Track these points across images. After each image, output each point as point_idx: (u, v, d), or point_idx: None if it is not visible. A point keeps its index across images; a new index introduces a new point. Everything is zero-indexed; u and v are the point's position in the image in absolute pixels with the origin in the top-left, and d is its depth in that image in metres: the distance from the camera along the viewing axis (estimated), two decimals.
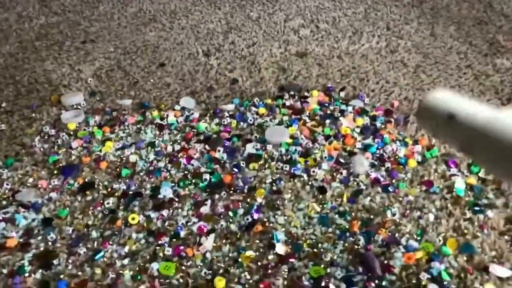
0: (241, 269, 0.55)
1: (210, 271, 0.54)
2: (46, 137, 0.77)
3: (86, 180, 0.68)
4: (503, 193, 0.64)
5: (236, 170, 0.69)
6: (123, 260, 0.56)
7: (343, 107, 0.81)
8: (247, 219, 0.60)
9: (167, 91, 0.89)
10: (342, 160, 0.70)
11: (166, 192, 0.65)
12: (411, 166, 0.68)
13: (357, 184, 0.66)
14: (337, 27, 1.13)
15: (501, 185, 0.65)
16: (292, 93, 0.87)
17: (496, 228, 0.59)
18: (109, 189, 0.66)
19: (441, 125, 0.47)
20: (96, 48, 1.06)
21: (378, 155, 0.71)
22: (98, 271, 0.55)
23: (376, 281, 0.52)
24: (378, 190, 0.65)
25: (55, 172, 0.70)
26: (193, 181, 0.67)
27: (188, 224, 0.60)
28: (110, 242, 0.58)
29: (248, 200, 0.64)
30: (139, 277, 0.54)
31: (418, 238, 0.58)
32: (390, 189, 0.64)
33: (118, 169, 0.70)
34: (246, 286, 0.53)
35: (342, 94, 0.86)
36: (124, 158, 0.72)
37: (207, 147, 0.73)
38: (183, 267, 0.55)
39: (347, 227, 0.59)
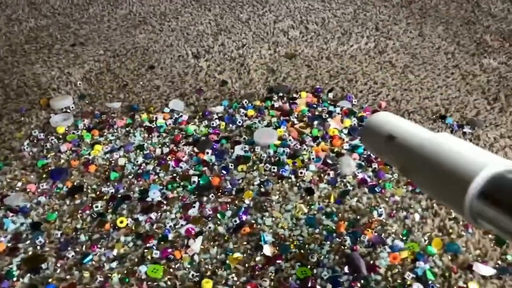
0: (228, 271, 0.55)
1: (198, 273, 0.55)
2: (35, 141, 0.77)
3: (75, 183, 0.68)
4: None
5: (224, 172, 0.69)
6: (112, 263, 0.56)
7: (331, 108, 0.82)
8: (235, 221, 0.61)
9: (156, 94, 0.89)
10: (329, 161, 0.70)
11: (155, 195, 0.65)
12: None
13: (344, 185, 0.67)
14: (326, 28, 1.14)
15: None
16: (281, 94, 0.87)
17: None
18: (97, 193, 0.66)
19: (382, 146, 0.48)
20: (86, 50, 1.06)
21: (365, 156, 0.71)
22: (86, 274, 0.55)
23: (362, 281, 0.53)
24: (365, 191, 0.65)
25: (44, 176, 0.70)
26: (182, 183, 0.67)
27: (176, 226, 0.61)
28: (99, 246, 0.58)
29: (236, 202, 0.64)
30: (127, 280, 0.54)
31: (404, 238, 0.58)
32: (377, 189, 0.65)
33: (106, 173, 0.70)
34: (233, 287, 0.53)
35: (331, 95, 0.87)
36: (113, 161, 0.72)
37: (195, 149, 0.74)
38: (171, 270, 0.55)
39: (334, 227, 0.60)
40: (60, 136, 0.78)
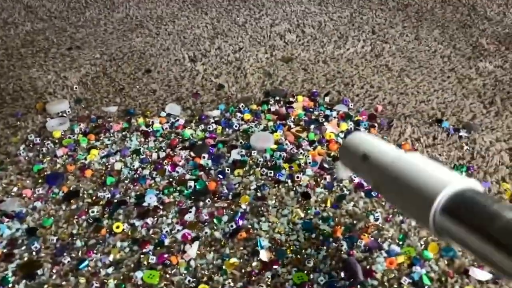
0: (225, 276, 0.55)
1: (194, 279, 0.55)
2: (31, 145, 0.77)
3: (71, 188, 0.68)
4: None
5: (221, 176, 0.69)
6: (108, 269, 0.56)
7: (328, 112, 0.82)
8: (231, 226, 0.61)
9: (152, 98, 0.89)
10: (326, 166, 0.70)
11: (151, 200, 0.65)
12: None
13: (340, 189, 0.67)
14: (322, 31, 1.14)
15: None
16: (277, 98, 0.87)
17: None
18: (93, 198, 0.66)
19: (357, 164, 0.51)
20: (82, 54, 1.06)
21: None
22: (82, 280, 0.55)
23: (359, 286, 0.53)
24: (362, 195, 0.65)
25: (40, 181, 0.69)
26: (178, 188, 0.67)
27: (173, 232, 0.61)
28: (95, 251, 0.58)
29: (233, 207, 0.64)
30: (123, 286, 0.54)
31: (400, 242, 0.58)
32: (373, 194, 0.65)
33: (103, 177, 0.70)
34: None
35: (327, 99, 0.87)
36: (109, 166, 0.72)
37: (192, 153, 0.74)
38: (167, 275, 0.55)
39: (330, 232, 0.60)
40: (56, 141, 0.77)
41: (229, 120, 0.81)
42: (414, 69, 0.97)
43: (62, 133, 0.79)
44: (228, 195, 0.66)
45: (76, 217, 0.63)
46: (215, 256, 0.57)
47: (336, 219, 0.62)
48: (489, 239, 0.36)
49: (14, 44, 1.11)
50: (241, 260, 0.57)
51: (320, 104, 0.85)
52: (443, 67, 0.98)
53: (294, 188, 0.67)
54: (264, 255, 0.57)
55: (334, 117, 0.81)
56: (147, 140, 0.77)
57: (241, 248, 0.58)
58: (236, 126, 0.79)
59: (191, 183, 0.67)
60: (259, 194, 0.66)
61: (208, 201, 0.65)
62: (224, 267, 0.56)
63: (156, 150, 0.75)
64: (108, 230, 0.61)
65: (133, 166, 0.71)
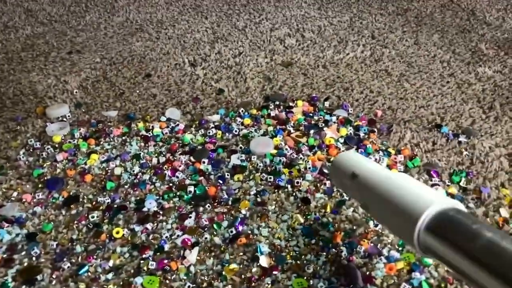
0: (224, 282, 0.55)
1: (194, 285, 0.55)
2: (31, 150, 0.77)
3: (71, 193, 0.68)
4: (483, 202, 0.65)
5: (220, 181, 0.69)
6: (107, 275, 0.56)
7: (327, 117, 0.82)
8: (231, 232, 0.61)
9: (153, 102, 0.89)
10: (326, 171, 0.70)
11: (151, 205, 0.65)
12: None
13: (340, 194, 0.67)
14: (322, 36, 1.14)
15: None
16: (277, 103, 0.87)
17: None
18: (93, 203, 0.66)
19: (347, 183, 0.54)
20: (82, 58, 1.06)
21: None
22: (82, 286, 0.55)
23: None
24: None
25: (40, 185, 0.69)
26: (178, 193, 0.67)
27: (172, 237, 0.61)
28: (95, 257, 0.58)
29: (233, 212, 0.64)
30: None
31: (400, 248, 0.58)
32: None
33: (103, 182, 0.70)
34: None
35: (327, 104, 0.87)
36: (109, 171, 0.72)
37: (192, 158, 0.74)
38: (167, 281, 0.55)
39: (330, 238, 0.60)
40: (56, 145, 0.77)
41: (229, 125, 0.81)
42: (413, 74, 0.97)
43: (62, 138, 0.79)
44: (228, 200, 0.66)
45: (76, 222, 0.63)
46: (215, 261, 0.57)
47: (336, 224, 0.62)
48: (471, 257, 0.37)
49: (14, 48, 1.11)
50: (241, 266, 0.57)
51: (320, 109, 0.85)
52: (443, 72, 0.98)
53: (294, 194, 0.67)
54: (264, 261, 0.57)
55: (334, 122, 0.81)
56: (147, 145, 0.77)
57: (241, 253, 0.58)
58: (236, 131, 0.79)
59: (191, 188, 0.67)
60: (259, 199, 0.66)
61: (208, 206, 0.65)
62: (224, 273, 0.56)
63: (156, 155, 0.75)
64: (108, 235, 0.61)
65: (133, 171, 0.71)
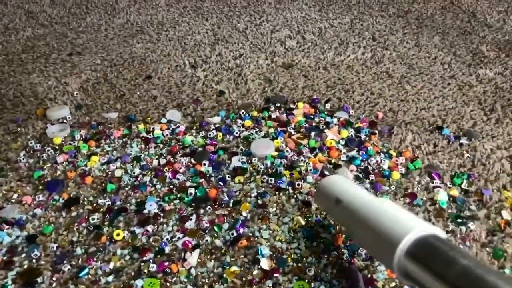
0: (225, 284, 0.55)
1: (195, 287, 0.54)
2: (31, 152, 0.76)
3: (71, 195, 0.68)
4: (485, 204, 0.65)
5: (221, 183, 0.69)
6: (108, 277, 0.56)
7: (328, 119, 0.82)
8: (232, 234, 0.60)
9: (153, 104, 0.89)
10: (327, 173, 0.70)
11: (151, 207, 0.65)
12: (395, 178, 0.69)
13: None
14: (323, 38, 1.14)
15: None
16: (278, 105, 0.87)
17: (478, 240, 0.60)
18: (94, 205, 0.66)
19: (331, 208, 0.55)
20: (83, 60, 1.06)
21: (362, 168, 0.71)
22: None
23: None
24: None
25: (40, 187, 0.69)
26: (178, 195, 0.67)
27: (173, 239, 0.60)
28: (95, 259, 0.58)
29: (233, 214, 0.64)
30: None
31: None
32: None
33: (103, 184, 0.69)
34: None
35: (328, 105, 0.87)
36: (110, 173, 0.72)
37: (192, 160, 0.73)
38: (168, 284, 0.55)
39: (331, 240, 0.60)
40: (57, 147, 0.77)
41: (229, 126, 0.81)
42: (414, 76, 0.97)
43: (63, 140, 0.79)
44: (228, 203, 0.66)
45: (76, 224, 0.63)
46: (215, 264, 0.57)
47: (337, 227, 0.62)
48: (446, 283, 0.38)
49: (15, 50, 1.11)
50: (242, 269, 0.57)
51: (320, 111, 0.85)
52: (444, 74, 0.98)
53: (295, 196, 0.67)
54: (265, 263, 0.57)
55: (335, 124, 0.81)
56: (147, 147, 0.77)
57: (242, 256, 0.58)
58: (236, 133, 0.79)
59: (192, 190, 0.67)
60: (260, 202, 0.66)
61: (209, 208, 0.65)
62: (224, 275, 0.56)
63: (156, 156, 0.75)
64: (108, 237, 0.61)
65: (134, 173, 0.71)
